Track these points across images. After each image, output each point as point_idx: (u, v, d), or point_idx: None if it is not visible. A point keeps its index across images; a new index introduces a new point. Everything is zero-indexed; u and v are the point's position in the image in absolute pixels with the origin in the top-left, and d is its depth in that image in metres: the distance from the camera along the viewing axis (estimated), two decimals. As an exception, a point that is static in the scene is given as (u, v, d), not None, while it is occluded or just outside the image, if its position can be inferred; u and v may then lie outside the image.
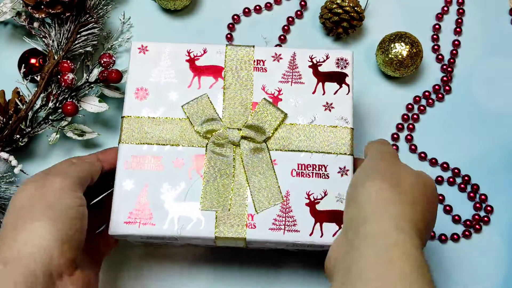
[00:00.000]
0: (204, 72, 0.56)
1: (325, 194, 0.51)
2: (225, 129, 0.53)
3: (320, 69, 0.56)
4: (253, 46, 0.57)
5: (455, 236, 0.61)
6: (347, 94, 0.55)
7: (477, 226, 0.62)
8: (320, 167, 0.52)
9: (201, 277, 0.59)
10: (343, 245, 0.44)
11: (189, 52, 0.56)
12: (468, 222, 0.62)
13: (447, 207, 0.62)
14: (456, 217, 0.62)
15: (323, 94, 0.55)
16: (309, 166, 0.52)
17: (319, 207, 0.51)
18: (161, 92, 0.55)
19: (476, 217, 0.62)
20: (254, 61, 0.56)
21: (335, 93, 0.55)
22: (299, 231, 0.50)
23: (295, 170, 0.52)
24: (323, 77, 0.56)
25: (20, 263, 0.40)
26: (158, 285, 0.59)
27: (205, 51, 0.56)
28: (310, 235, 0.50)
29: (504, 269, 0.60)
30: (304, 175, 0.52)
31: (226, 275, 0.59)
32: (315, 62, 0.56)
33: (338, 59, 0.56)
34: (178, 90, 0.55)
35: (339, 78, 0.56)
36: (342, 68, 0.56)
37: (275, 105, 0.54)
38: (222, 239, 0.50)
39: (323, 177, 0.52)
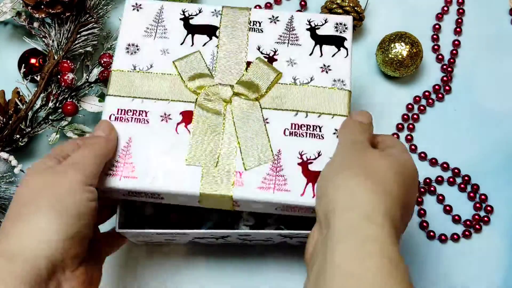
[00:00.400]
0: (198, 30, 0.55)
1: (319, 155, 0.49)
2: (216, 85, 0.52)
3: (318, 32, 0.55)
4: (250, 8, 0.56)
5: (455, 236, 0.61)
6: (345, 57, 0.54)
7: (477, 226, 0.61)
8: (315, 128, 0.50)
9: (194, 270, 0.59)
10: (317, 238, 0.42)
11: (183, 11, 0.55)
12: (468, 222, 0.62)
13: (447, 207, 0.62)
14: (456, 217, 0.62)
15: (321, 56, 0.54)
16: (303, 125, 0.50)
17: (312, 167, 0.48)
18: (153, 48, 0.53)
19: (476, 217, 0.62)
20: (250, 22, 0.55)
21: (333, 56, 0.54)
22: (289, 190, 0.47)
23: (288, 130, 0.50)
24: (321, 40, 0.54)
25: (23, 258, 0.39)
26: (155, 279, 0.59)
27: (200, 11, 0.56)
28: (302, 195, 0.47)
29: (504, 269, 0.60)
30: (298, 135, 0.50)
31: (219, 268, 0.59)
32: (313, 25, 0.55)
33: (337, 24, 0.55)
34: (171, 46, 0.54)
35: (337, 41, 0.54)
36: (340, 33, 0.55)
37: (269, 64, 0.53)
38: (207, 197, 0.47)
39: (318, 137, 0.50)
